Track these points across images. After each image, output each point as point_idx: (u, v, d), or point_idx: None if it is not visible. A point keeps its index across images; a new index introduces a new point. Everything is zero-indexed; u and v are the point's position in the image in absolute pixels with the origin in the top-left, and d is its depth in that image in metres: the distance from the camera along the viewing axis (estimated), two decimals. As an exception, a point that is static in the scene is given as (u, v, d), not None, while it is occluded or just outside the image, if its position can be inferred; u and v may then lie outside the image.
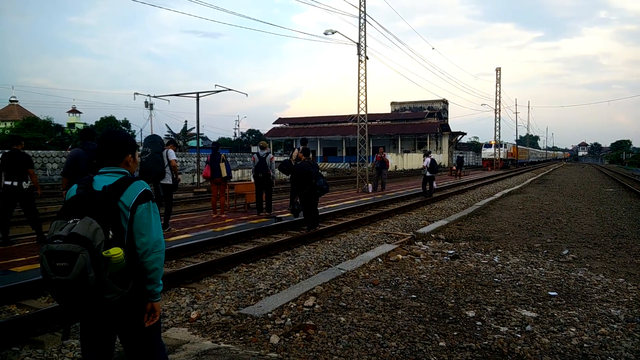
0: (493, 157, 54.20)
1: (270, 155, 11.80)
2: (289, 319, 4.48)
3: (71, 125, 71.73)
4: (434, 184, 17.85)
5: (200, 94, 24.68)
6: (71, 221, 2.10)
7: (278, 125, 72.40)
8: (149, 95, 30.54)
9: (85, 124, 67.90)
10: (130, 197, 2.25)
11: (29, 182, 8.03)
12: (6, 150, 7.99)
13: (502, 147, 56.15)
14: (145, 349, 2.40)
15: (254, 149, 73.62)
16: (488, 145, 58.15)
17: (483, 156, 58.40)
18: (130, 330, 2.35)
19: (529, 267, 6.84)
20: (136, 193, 2.27)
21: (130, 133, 56.07)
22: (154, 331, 2.42)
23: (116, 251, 2.09)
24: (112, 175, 2.33)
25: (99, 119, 55.74)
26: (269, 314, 4.59)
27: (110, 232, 2.13)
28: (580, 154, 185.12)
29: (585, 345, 4.01)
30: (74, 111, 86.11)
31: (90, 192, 2.24)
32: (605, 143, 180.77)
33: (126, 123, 56.63)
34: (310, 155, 10.25)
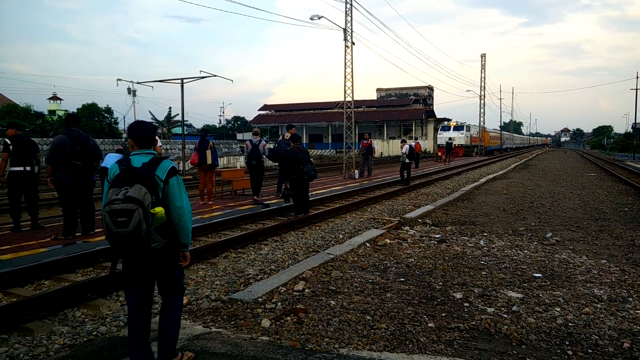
0: (452, 142, 39.46)
1: (263, 142, 11.85)
2: (279, 303, 4.51)
3: (52, 112, 70.23)
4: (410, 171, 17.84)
5: (184, 80, 24.37)
6: (123, 189, 2.69)
7: (263, 112, 71.94)
8: (132, 82, 29.83)
9: (66, 110, 66.57)
10: (163, 172, 2.89)
11: (36, 167, 8.13)
12: (13, 136, 7.94)
13: (463, 129, 44.18)
14: (173, 281, 3.08)
15: (239, 135, 73.14)
16: (446, 128, 45.13)
17: (439, 142, 42.82)
18: (165, 270, 3.01)
19: (514, 250, 6.96)
20: (166, 169, 2.91)
21: (113, 120, 54.83)
22: (180, 269, 3.12)
23: (159, 209, 2.74)
24: (146, 155, 2.95)
25: (80, 106, 54.50)
26: (259, 299, 4.61)
27: (152, 197, 2.73)
28: (562, 139, 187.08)
29: (570, 324, 4.11)
30: (54, 98, 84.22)
31: (133, 168, 2.83)
32: (588, 129, 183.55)
33: (109, 110, 55.38)
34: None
